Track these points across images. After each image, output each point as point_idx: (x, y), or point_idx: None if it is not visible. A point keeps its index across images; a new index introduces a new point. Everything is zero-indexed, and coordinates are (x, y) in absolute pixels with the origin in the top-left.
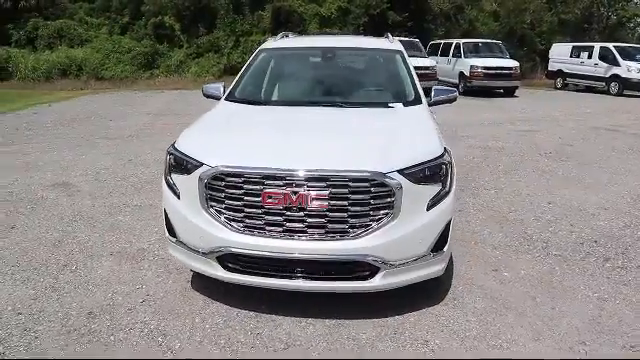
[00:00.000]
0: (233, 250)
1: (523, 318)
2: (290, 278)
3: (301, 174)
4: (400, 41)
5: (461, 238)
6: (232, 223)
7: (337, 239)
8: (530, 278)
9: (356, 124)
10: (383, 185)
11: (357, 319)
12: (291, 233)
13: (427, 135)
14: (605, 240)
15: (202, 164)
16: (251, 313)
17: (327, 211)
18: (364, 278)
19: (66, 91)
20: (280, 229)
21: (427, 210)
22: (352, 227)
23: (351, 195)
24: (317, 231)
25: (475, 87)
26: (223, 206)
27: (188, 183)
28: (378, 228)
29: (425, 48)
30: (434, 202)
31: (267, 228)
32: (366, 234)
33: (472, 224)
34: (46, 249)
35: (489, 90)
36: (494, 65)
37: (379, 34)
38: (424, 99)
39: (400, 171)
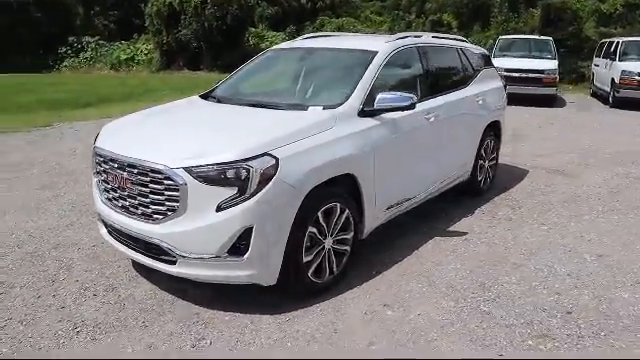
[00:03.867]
0: (101, 216)
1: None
2: (127, 247)
3: (123, 160)
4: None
5: (419, 267)
6: (102, 193)
7: (146, 221)
8: (408, 323)
9: (233, 123)
10: (171, 179)
11: (191, 304)
12: (122, 209)
13: (249, 137)
14: (586, 314)
15: (94, 143)
16: (134, 274)
17: (137, 195)
18: (170, 262)
19: None
20: (118, 204)
21: (216, 211)
22: (155, 213)
23: (151, 184)
24: (134, 210)
25: None
26: (97, 178)
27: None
28: (171, 218)
29: None
30: (226, 205)
31: (112, 201)
32: (163, 222)
33: (462, 259)
34: None
35: None
36: None
37: None
38: (350, 104)
39: (186, 168)
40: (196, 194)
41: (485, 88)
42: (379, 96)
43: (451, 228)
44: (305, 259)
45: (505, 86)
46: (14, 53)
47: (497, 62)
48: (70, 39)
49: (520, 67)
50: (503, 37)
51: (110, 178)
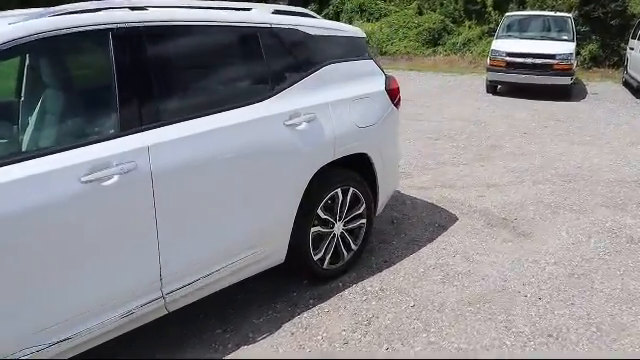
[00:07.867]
0: None
1: None
2: None
3: None
4: None
5: None
6: None
7: None
8: None
9: None
10: None
11: None
12: None
13: None
14: None
15: None
16: None
17: None
18: None
19: None
20: None
21: None
22: None
23: None
24: None
25: None
26: None
27: None
28: None
29: None
30: None
31: None
32: None
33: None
34: None
35: None
36: None
37: None
38: None
39: None
40: None
41: (324, 99)
42: None
43: None
44: None
45: (396, 89)
46: None
47: (498, 45)
48: None
49: (525, 51)
50: (510, 14)
51: None
